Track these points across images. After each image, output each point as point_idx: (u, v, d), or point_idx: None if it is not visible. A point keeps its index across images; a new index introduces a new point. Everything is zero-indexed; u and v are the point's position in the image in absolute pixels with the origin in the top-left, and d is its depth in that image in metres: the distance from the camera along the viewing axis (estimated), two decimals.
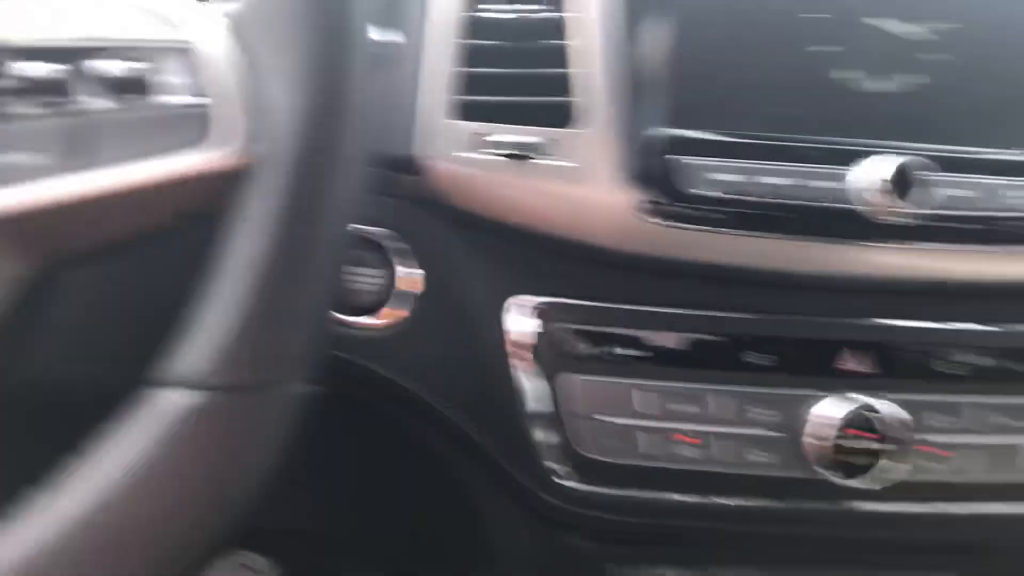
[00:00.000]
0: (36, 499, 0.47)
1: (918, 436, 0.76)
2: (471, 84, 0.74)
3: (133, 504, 0.46)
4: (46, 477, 0.48)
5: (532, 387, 0.77)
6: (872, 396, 0.75)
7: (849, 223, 0.71)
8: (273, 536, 1.31)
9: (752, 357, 0.76)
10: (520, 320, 0.77)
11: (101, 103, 0.47)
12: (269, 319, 0.48)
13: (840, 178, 0.71)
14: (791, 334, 0.76)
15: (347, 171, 0.50)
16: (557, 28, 0.73)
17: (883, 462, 0.75)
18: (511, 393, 0.77)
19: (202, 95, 0.48)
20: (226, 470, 0.49)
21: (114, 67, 0.47)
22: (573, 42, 0.73)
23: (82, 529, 0.46)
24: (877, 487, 0.75)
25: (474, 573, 0.99)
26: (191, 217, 0.51)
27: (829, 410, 0.75)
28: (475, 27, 0.75)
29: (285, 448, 0.51)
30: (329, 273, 0.50)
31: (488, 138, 0.73)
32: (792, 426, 0.76)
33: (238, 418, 0.48)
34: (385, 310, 0.79)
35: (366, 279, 0.79)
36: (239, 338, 0.47)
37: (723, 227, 0.72)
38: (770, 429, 0.76)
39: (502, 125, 0.73)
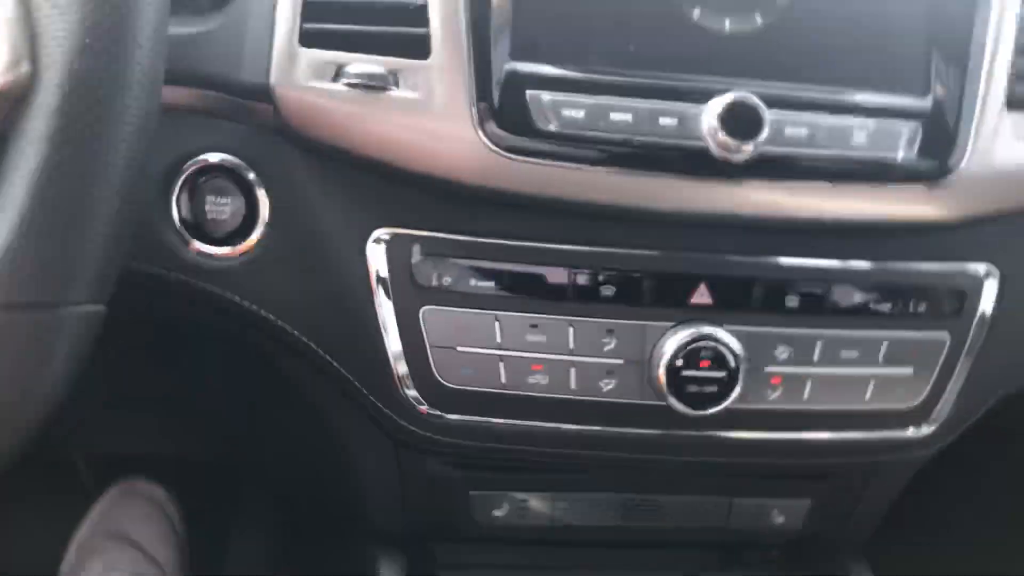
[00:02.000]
0: None
1: (765, 368, 0.80)
2: (325, 11, 0.73)
3: None
4: None
5: (394, 319, 0.78)
6: (720, 328, 0.78)
7: (692, 160, 0.72)
8: (165, 463, 1.32)
9: (604, 290, 0.78)
10: (382, 253, 0.77)
11: None
12: (47, 238, 0.49)
13: (686, 116, 0.72)
14: (641, 268, 0.78)
15: (132, 97, 0.50)
16: None
17: (731, 393, 0.78)
18: (373, 325, 0.78)
19: None
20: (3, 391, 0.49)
21: None
22: None
23: None
24: (724, 416, 0.79)
25: (347, 498, 1.01)
26: None
27: (676, 342, 0.77)
28: None
29: (76, 371, 0.52)
30: (118, 197, 0.50)
31: (341, 67, 0.72)
32: (642, 356, 0.79)
33: (16, 337, 0.49)
34: (241, 240, 0.78)
35: (221, 208, 0.78)
36: (15, 255, 0.47)
37: (574, 162, 0.72)
38: (622, 359, 0.79)
39: (356, 55, 0.72)
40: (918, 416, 0.84)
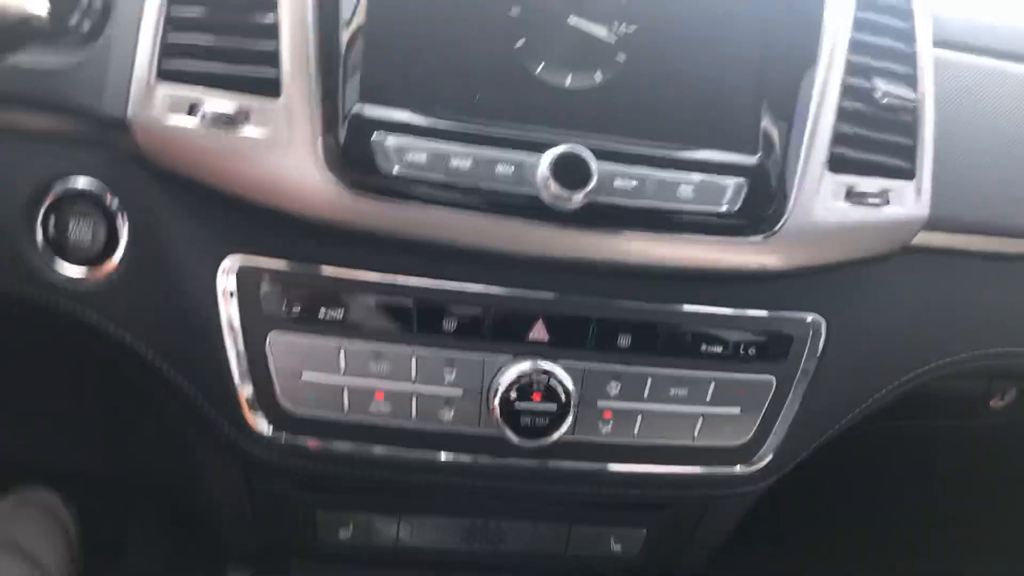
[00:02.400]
0: None
1: (598, 402, 0.85)
2: (183, 50, 0.76)
3: None
4: None
5: (242, 344, 0.81)
6: (555, 363, 0.83)
7: (527, 206, 0.77)
8: (64, 473, 1.33)
9: (447, 323, 0.82)
10: (232, 279, 0.80)
11: None
12: None
13: (522, 165, 0.77)
14: (482, 303, 0.82)
15: None
16: (267, 3, 0.76)
17: (562, 426, 0.83)
18: (221, 349, 0.81)
19: None
20: None
21: None
22: (281, 17, 0.76)
23: None
24: (556, 447, 0.83)
25: (203, 514, 1.04)
26: None
27: (512, 375, 0.82)
28: None
29: None
30: None
31: (196, 103, 0.75)
32: (481, 388, 0.83)
33: None
34: (102, 262, 0.82)
35: (84, 231, 0.81)
36: None
37: (415, 201, 0.77)
38: (461, 389, 0.83)
39: (211, 91, 0.75)
40: (745, 454, 0.90)
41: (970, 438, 1.28)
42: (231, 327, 0.81)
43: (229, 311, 0.81)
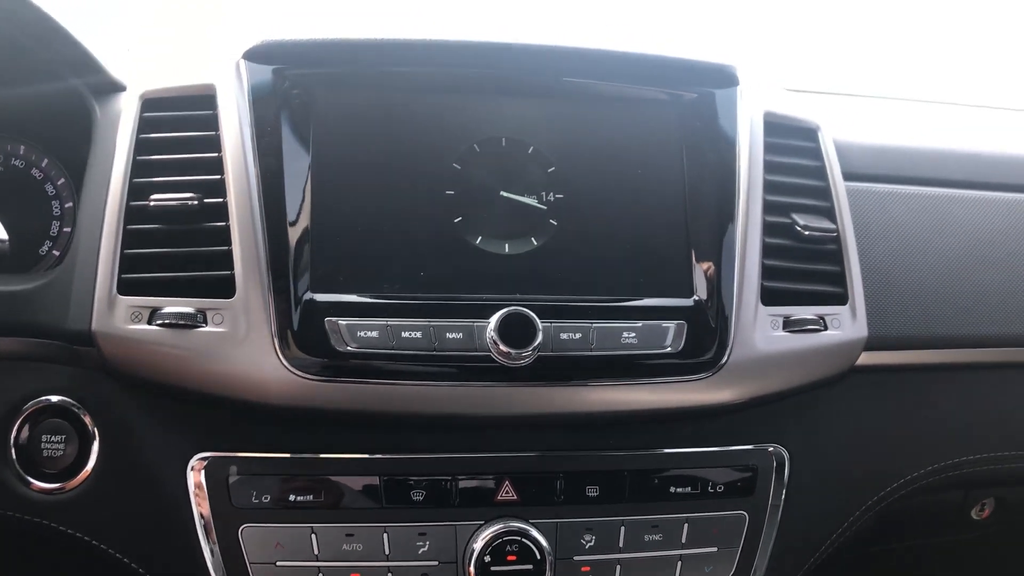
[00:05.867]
0: None
1: (574, 557, 0.85)
2: (139, 262, 0.81)
3: None
4: None
5: (216, 540, 0.82)
6: (526, 523, 0.83)
7: (479, 368, 0.80)
8: None
9: (414, 494, 0.83)
10: (201, 476, 0.82)
11: None
12: None
13: (470, 330, 0.80)
14: (447, 471, 0.84)
15: None
16: (216, 212, 0.82)
17: None
18: (196, 546, 0.82)
19: None
20: None
21: None
22: (231, 222, 0.81)
23: None
24: None
25: None
26: None
27: (484, 539, 0.82)
28: (141, 214, 0.82)
29: None
30: None
31: (156, 310, 0.79)
32: (455, 556, 0.83)
33: None
34: (74, 474, 0.83)
35: (56, 446, 0.83)
36: None
37: (371, 378, 0.80)
38: (436, 560, 0.83)
39: (169, 299, 0.80)
40: None
41: (962, 553, 1.26)
42: (203, 523, 0.82)
43: (200, 508, 0.82)
